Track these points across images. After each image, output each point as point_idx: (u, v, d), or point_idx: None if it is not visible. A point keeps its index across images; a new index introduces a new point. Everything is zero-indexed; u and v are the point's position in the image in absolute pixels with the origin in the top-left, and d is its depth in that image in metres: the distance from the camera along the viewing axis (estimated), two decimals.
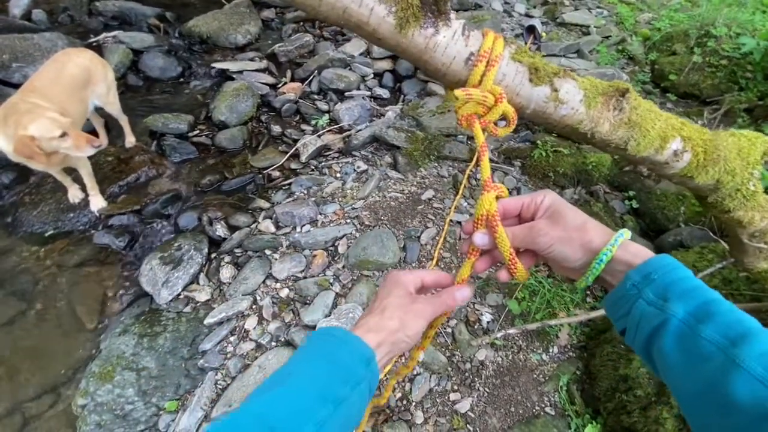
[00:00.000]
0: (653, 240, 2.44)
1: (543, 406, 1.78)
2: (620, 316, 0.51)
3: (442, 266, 2.23)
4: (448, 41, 0.61)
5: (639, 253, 0.51)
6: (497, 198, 0.59)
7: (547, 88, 0.65)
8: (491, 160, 2.89)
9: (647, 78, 3.73)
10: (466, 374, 1.85)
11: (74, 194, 2.38)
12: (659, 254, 0.50)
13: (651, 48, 4.02)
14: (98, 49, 3.33)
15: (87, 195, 2.37)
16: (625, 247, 0.51)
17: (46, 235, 2.30)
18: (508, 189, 2.73)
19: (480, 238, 0.59)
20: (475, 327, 2.00)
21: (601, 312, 1.85)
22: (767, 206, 0.98)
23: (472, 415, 1.72)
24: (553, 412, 1.75)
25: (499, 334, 1.93)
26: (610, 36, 4.27)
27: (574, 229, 0.53)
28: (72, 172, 2.34)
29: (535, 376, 1.87)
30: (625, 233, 0.52)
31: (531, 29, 4.07)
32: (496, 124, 0.67)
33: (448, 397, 1.77)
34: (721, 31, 3.54)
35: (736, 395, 0.38)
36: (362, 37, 0.62)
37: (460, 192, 2.59)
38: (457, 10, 4.60)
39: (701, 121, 3.06)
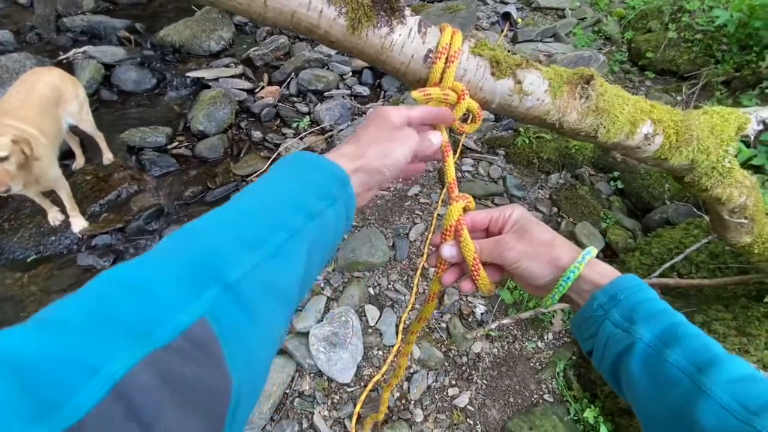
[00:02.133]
0: (640, 219, 2.45)
1: (541, 393, 1.78)
2: (587, 337, 0.50)
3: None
4: (405, 39, 0.59)
5: (606, 272, 0.50)
6: (465, 210, 0.58)
7: (511, 81, 0.63)
8: (475, 151, 2.88)
9: (624, 57, 3.74)
10: (463, 368, 1.85)
11: (54, 216, 2.33)
12: (624, 274, 0.49)
13: (626, 27, 4.03)
14: (68, 66, 3.26)
15: (67, 217, 2.32)
16: (592, 265, 0.51)
17: (29, 260, 2.25)
18: (494, 179, 2.69)
19: (448, 251, 0.57)
20: (470, 320, 2.00)
21: None
22: (744, 181, 0.98)
23: (472, 409, 1.72)
24: (551, 399, 1.76)
25: (493, 325, 1.92)
26: (586, 18, 4.28)
27: (542, 245, 0.52)
28: (50, 194, 2.29)
29: (531, 364, 1.87)
30: (593, 251, 0.51)
31: (506, 16, 4.06)
32: (464, 120, 0.66)
33: (447, 393, 1.77)
34: (694, 6, 3.55)
35: (703, 422, 0.37)
36: (317, 40, 0.60)
37: (446, 187, 2.58)
38: (431, 1, 4.57)
39: (680, 97, 3.07)
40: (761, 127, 1.10)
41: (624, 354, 0.45)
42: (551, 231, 0.54)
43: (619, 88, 0.72)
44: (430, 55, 0.60)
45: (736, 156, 0.97)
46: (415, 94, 0.59)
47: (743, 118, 0.99)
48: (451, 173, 0.60)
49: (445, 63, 0.60)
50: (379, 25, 0.57)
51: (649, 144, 0.76)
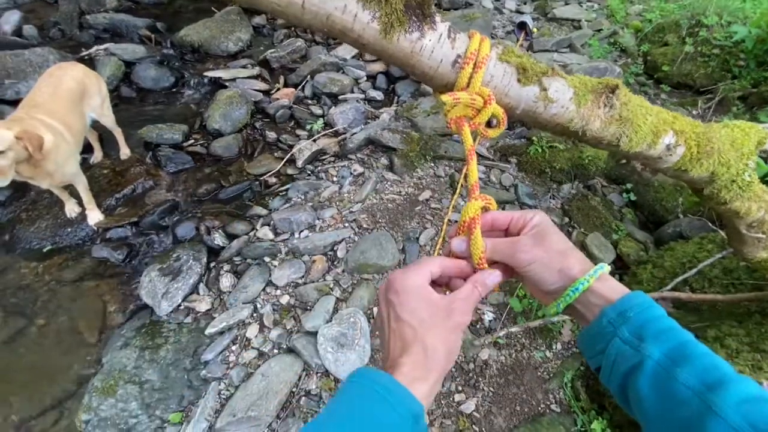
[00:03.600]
0: (652, 232, 2.44)
1: (548, 403, 1.77)
2: (596, 353, 0.50)
3: None
4: (434, 44, 0.61)
5: (616, 288, 0.50)
6: (485, 209, 0.58)
7: (536, 88, 0.65)
8: (487, 159, 2.89)
9: (640, 70, 3.73)
10: (470, 374, 1.84)
11: (71, 209, 2.38)
12: (634, 291, 0.49)
13: (643, 39, 4.02)
14: (90, 62, 3.33)
15: (84, 209, 2.37)
16: (603, 280, 0.50)
17: (44, 250, 2.30)
18: (505, 187, 2.69)
19: (457, 244, 0.57)
20: (478, 326, 2.00)
21: None
22: (763, 196, 0.98)
23: (478, 416, 1.72)
24: (558, 410, 1.75)
25: (501, 333, 1.92)
26: (602, 29, 4.28)
27: (556, 253, 0.52)
28: (68, 187, 2.34)
29: (539, 373, 1.86)
30: (605, 267, 0.51)
31: (522, 25, 4.07)
32: (488, 125, 0.67)
33: (453, 398, 1.76)
34: (712, 20, 3.54)
35: None
36: (348, 43, 0.62)
37: (458, 191, 2.59)
38: (448, 9, 4.60)
39: (696, 111, 3.06)
40: None
41: (633, 371, 0.45)
42: (568, 241, 0.54)
43: (643, 98, 0.73)
44: (459, 60, 0.62)
45: (755, 170, 0.97)
46: (445, 97, 0.60)
47: (763, 132, 0.99)
48: (474, 175, 0.61)
49: (473, 68, 0.61)
50: (410, 29, 0.59)
51: (671, 155, 0.76)
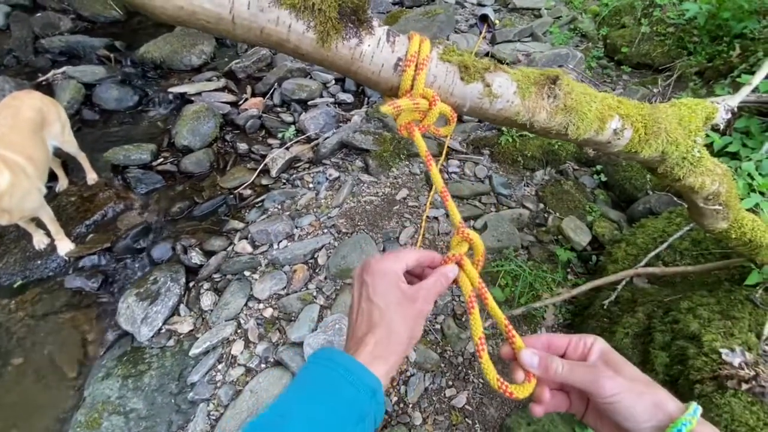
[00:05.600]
0: (625, 210, 2.50)
1: None
2: None
3: None
4: (374, 49, 0.61)
5: (713, 429, 0.45)
6: (468, 243, 0.59)
7: (480, 84, 0.65)
8: (461, 152, 2.91)
9: (601, 53, 3.81)
10: (459, 368, 1.86)
11: (39, 240, 2.31)
12: None
13: (601, 23, 4.12)
14: (48, 87, 3.24)
15: (53, 240, 2.30)
16: (702, 420, 0.45)
17: (15, 286, 2.22)
18: (480, 179, 2.71)
19: (505, 351, 0.57)
20: (463, 320, 2.01)
21: (582, 288, 1.88)
22: (715, 169, 1.01)
23: (470, 408, 1.73)
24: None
25: (486, 324, 1.94)
26: (561, 16, 4.36)
27: (642, 383, 0.47)
28: (35, 218, 2.26)
29: None
30: (699, 408, 0.46)
31: (484, 18, 4.12)
32: (446, 123, 0.67)
33: (444, 394, 1.77)
34: (665, 0, 3.64)
35: None
36: (287, 54, 0.61)
37: (434, 188, 2.60)
38: (410, 7, 4.62)
39: (656, 89, 3.14)
40: (729, 115, 1.13)
41: None
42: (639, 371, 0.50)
43: (586, 86, 0.75)
44: (400, 63, 0.62)
45: (706, 145, 1.00)
46: (385, 108, 0.60)
47: (711, 108, 1.02)
48: (438, 182, 0.62)
49: (415, 70, 0.62)
50: (347, 36, 0.59)
51: (619, 138, 0.78)
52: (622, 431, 0.48)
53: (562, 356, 0.53)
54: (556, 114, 0.69)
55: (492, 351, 1.91)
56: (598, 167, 2.71)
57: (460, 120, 3.23)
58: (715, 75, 3.02)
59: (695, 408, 0.45)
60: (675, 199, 2.10)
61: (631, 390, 0.46)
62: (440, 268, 0.58)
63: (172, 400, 1.78)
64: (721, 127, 1.13)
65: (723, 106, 1.11)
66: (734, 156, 2.16)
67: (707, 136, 1.01)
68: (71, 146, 2.50)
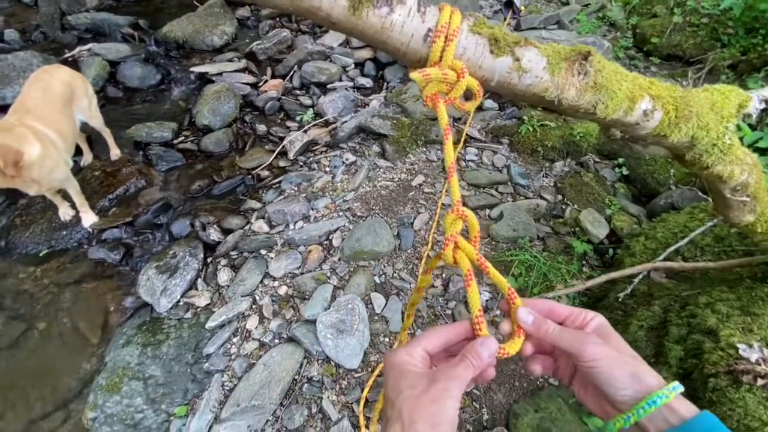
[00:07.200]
0: (645, 205, 2.45)
1: (546, 377, 1.80)
2: None
3: (438, 250, 2.23)
4: (404, 19, 0.60)
5: (690, 407, 0.46)
6: (463, 221, 0.59)
7: (509, 58, 0.65)
8: (479, 140, 2.88)
9: (629, 43, 3.70)
10: None
11: (65, 212, 2.38)
12: (703, 411, 0.47)
13: (631, 12, 3.99)
14: (74, 63, 3.30)
15: (77, 212, 2.37)
16: (679, 397, 0.47)
17: (41, 254, 2.31)
18: (498, 168, 2.68)
19: (506, 328, 0.57)
20: None
21: (597, 280, 1.86)
22: (745, 159, 0.98)
23: (478, 393, 1.75)
24: (556, 383, 1.78)
25: (498, 312, 1.94)
26: (589, 4, 4.23)
27: (628, 355, 0.49)
28: (61, 190, 2.33)
29: None
30: (680, 386, 0.48)
31: (509, 4, 4.03)
32: (465, 98, 0.67)
33: None
34: None
35: None
36: (318, 22, 0.61)
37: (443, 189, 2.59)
38: None
39: (686, 82, 3.04)
40: (763, 105, 1.10)
41: None
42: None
43: (617, 65, 0.73)
44: (430, 34, 0.62)
45: (737, 133, 0.97)
46: (415, 75, 0.60)
47: (744, 95, 0.99)
48: (450, 156, 0.61)
49: (445, 42, 0.61)
50: (379, 4, 0.59)
51: (648, 120, 0.77)
52: (602, 399, 0.50)
53: (561, 324, 0.55)
54: (586, 92, 0.68)
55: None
56: (620, 160, 2.65)
57: (480, 108, 3.17)
58: (749, 68, 2.91)
59: (675, 385, 0.47)
60: (700, 194, 2.05)
61: (614, 358, 0.48)
62: (473, 344, 0.52)
63: (188, 370, 1.84)
64: (754, 117, 1.10)
65: (757, 96, 1.08)
66: (764, 152, 2.09)
67: (738, 128, 0.97)
68: (97, 121, 2.56)
